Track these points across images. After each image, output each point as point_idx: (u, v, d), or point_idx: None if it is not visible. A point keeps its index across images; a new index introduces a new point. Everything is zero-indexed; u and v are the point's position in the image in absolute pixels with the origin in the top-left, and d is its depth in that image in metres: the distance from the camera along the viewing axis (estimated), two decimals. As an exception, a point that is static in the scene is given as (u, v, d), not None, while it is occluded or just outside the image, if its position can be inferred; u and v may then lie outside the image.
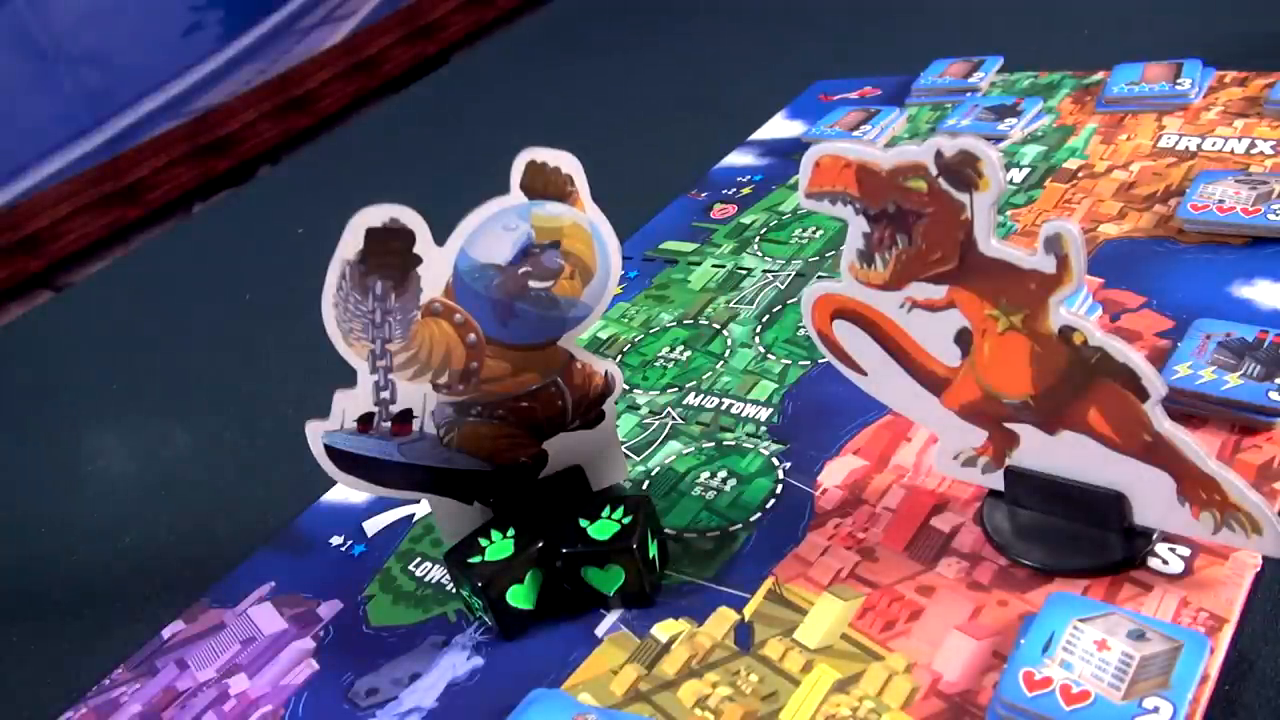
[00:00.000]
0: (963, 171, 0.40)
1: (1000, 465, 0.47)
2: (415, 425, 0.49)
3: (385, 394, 0.48)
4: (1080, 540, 0.45)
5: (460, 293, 0.48)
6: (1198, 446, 0.41)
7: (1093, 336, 0.41)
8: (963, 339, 0.44)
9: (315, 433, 0.48)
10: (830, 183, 0.44)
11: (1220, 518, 0.41)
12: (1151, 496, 0.43)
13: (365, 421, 0.49)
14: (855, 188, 0.43)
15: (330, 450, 0.49)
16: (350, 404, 0.48)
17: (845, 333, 0.47)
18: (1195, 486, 0.42)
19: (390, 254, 0.46)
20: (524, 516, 0.51)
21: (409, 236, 0.46)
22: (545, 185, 0.48)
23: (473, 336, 0.48)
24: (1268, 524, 0.40)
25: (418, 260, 0.46)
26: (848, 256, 0.45)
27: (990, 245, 0.41)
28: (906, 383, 0.47)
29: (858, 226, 0.44)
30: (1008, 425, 0.45)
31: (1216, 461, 0.41)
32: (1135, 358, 0.40)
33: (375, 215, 0.45)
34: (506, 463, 0.51)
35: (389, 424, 0.49)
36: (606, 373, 0.51)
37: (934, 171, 0.41)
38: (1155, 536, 0.45)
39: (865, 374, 0.48)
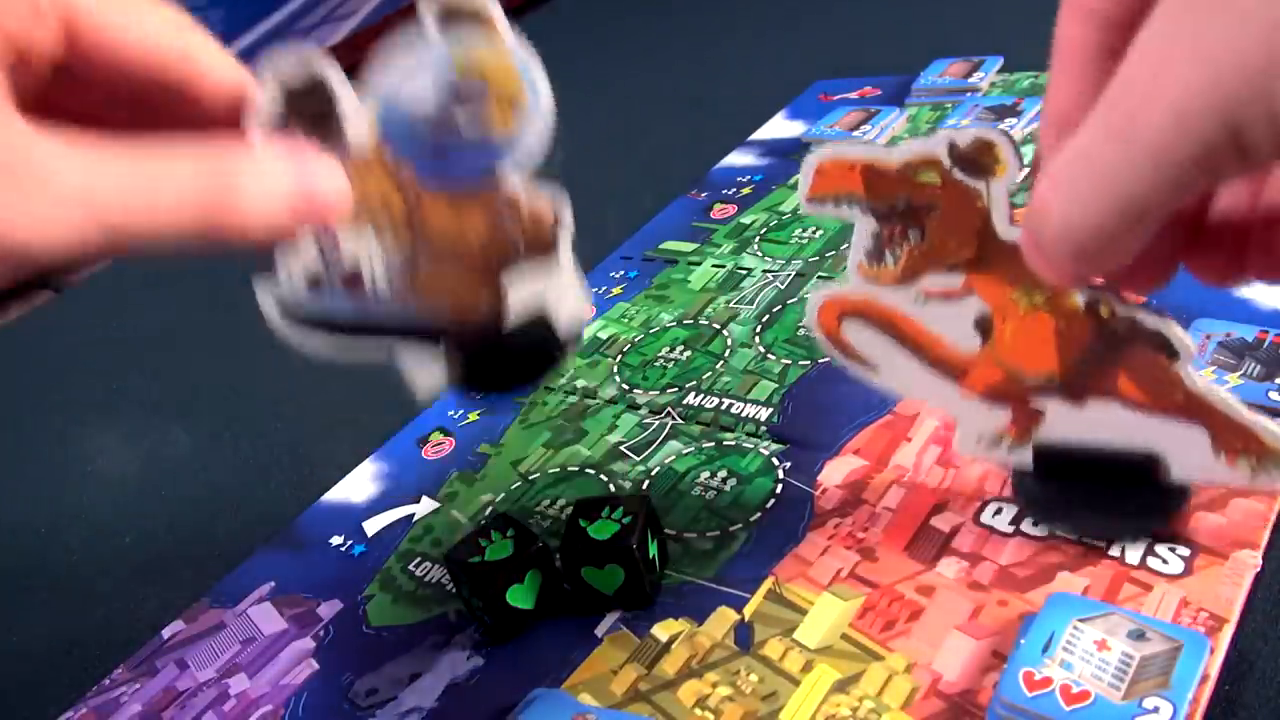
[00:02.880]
0: (979, 160, 0.41)
1: (1026, 442, 0.46)
2: (366, 282, 0.46)
3: (331, 252, 0.45)
4: (1118, 503, 0.45)
5: (389, 139, 0.44)
6: (1230, 397, 0.41)
7: (1120, 307, 0.41)
8: (983, 324, 0.44)
9: (266, 291, 0.45)
10: (834, 187, 0.44)
11: (1258, 463, 0.41)
12: (1187, 452, 0.43)
13: (314, 282, 0.46)
14: (862, 189, 0.43)
15: (284, 310, 0.46)
16: (296, 264, 0.45)
17: (854, 332, 0.47)
18: (1230, 437, 0.41)
19: (310, 107, 0.43)
20: (493, 375, 0.49)
21: (325, 88, 0.43)
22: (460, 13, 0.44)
23: (408, 182, 0.45)
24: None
25: (339, 111, 0.43)
26: (855, 257, 0.45)
27: (1008, 229, 0.41)
28: (922, 373, 0.46)
29: (866, 226, 0.44)
30: (1032, 403, 0.45)
31: (1250, 410, 0.41)
32: (1164, 320, 0.41)
33: (287, 66, 0.42)
34: (466, 313, 0.47)
35: (339, 284, 0.45)
36: (553, 202, 0.47)
37: (948, 164, 0.41)
38: (1191, 490, 0.45)
39: (877, 370, 0.47)
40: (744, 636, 0.46)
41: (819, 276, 0.68)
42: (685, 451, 0.57)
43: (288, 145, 0.39)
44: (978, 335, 0.44)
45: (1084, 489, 0.46)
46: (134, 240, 0.34)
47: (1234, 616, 0.41)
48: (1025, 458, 0.46)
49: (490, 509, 0.57)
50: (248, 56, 0.39)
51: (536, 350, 0.49)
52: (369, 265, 0.46)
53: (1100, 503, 0.46)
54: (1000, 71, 0.88)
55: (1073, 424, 0.45)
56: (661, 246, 0.78)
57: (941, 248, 0.43)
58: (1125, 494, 0.45)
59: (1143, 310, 0.41)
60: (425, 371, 0.49)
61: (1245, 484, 0.42)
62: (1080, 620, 0.41)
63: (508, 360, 0.49)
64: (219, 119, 0.40)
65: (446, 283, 0.47)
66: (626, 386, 0.64)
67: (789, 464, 0.55)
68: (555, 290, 0.48)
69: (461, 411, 0.66)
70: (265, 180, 0.37)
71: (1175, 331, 0.41)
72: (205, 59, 0.39)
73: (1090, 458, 0.45)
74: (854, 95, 0.93)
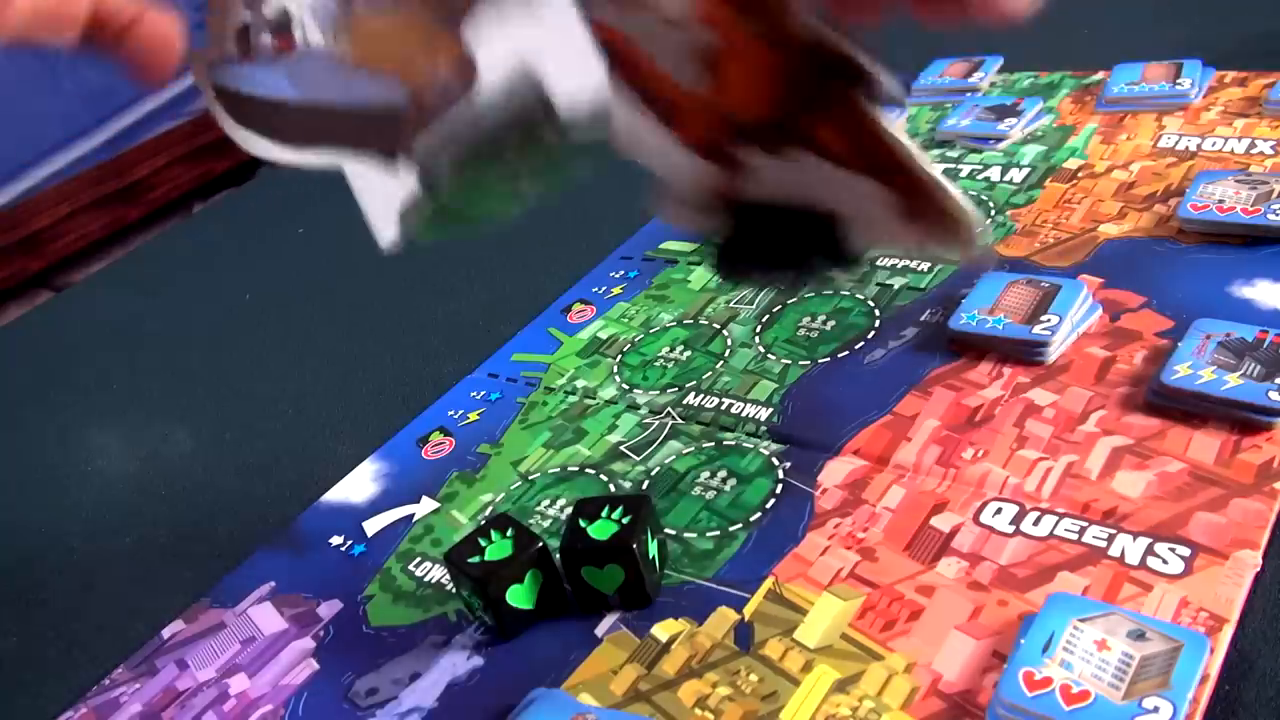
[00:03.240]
0: None
1: (726, 200, 0.43)
2: (296, 35, 0.38)
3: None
4: (800, 257, 0.44)
5: None
6: (923, 155, 0.40)
7: (836, 41, 0.39)
8: (706, 58, 0.39)
9: (202, 68, 0.39)
10: None
11: (932, 225, 0.41)
12: (871, 212, 0.41)
13: (244, 40, 0.39)
14: None
15: (220, 92, 0.39)
16: (227, 21, 0.39)
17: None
18: (916, 199, 0.40)
19: None
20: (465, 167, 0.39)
21: None
22: None
23: None
24: (974, 228, 0.40)
25: None
26: None
27: None
28: (636, 117, 0.42)
29: None
30: (739, 155, 0.42)
31: (934, 167, 0.40)
32: (874, 62, 0.39)
33: None
34: (424, 78, 0.38)
35: (269, 39, 0.38)
36: None
37: None
38: (869, 253, 0.44)
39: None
40: (744, 636, 0.46)
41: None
42: (685, 451, 0.57)
43: None
44: (699, 71, 0.40)
45: (770, 244, 0.44)
46: None
47: (1234, 616, 0.41)
48: (726, 219, 0.44)
49: (490, 509, 0.57)
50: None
51: (521, 128, 0.38)
52: (296, 9, 0.38)
53: (783, 257, 0.44)
54: (1000, 71, 0.88)
55: (773, 181, 0.42)
56: (661, 246, 0.78)
57: None
58: (808, 249, 0.43)
59: (857, 46, 0.39)
60: (383, 186, 0.40)
61: (914, 251, 0.40)
62: (1080, 620, 0.41)
63: (486, 143, 0.39)
64: None
65: (391, 39, 0.39)
66: (626, 386, 0.64)
67: (789, 464, 0.55)
68: (544, 42, 0.38)
69: (462, 412, 0.66)
70: None
71: (881, 73, 0.39)
72: None
73: (780, 215, 0.43)
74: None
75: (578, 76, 0.37)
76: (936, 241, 0.41)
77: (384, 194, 0.39)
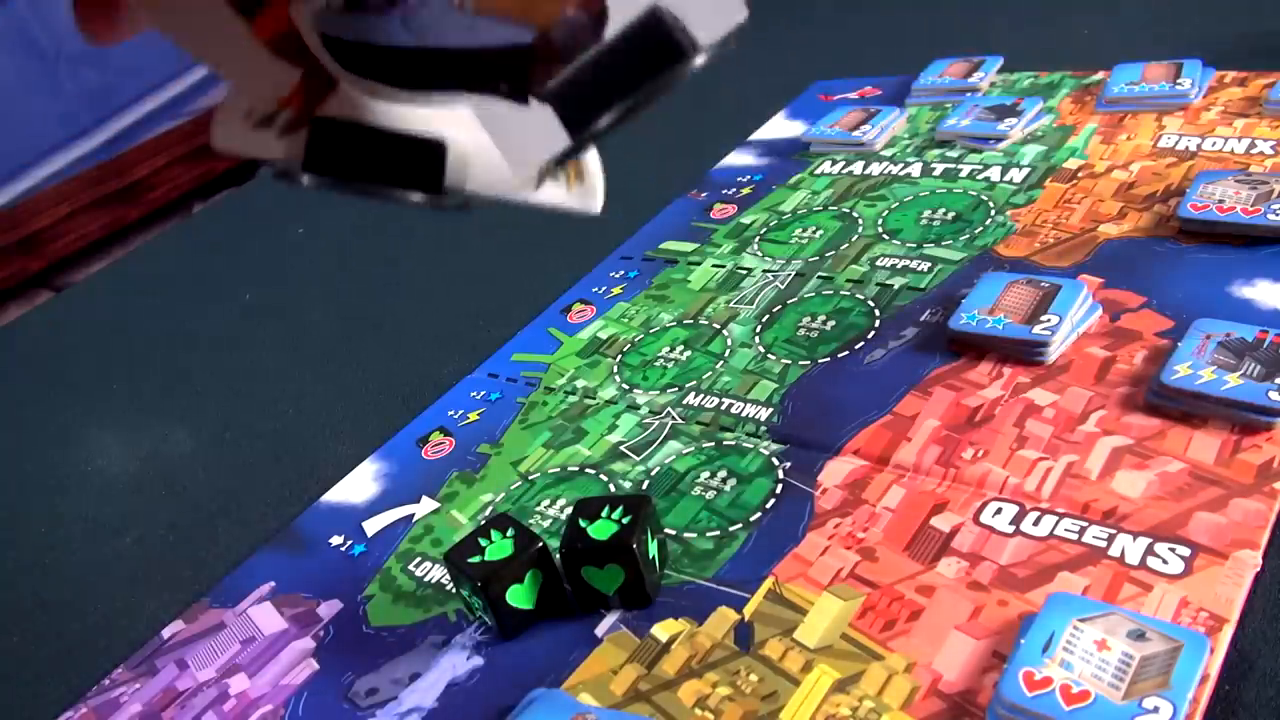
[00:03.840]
0: None
1: (304, 117, 0.37)
2: None
3: None
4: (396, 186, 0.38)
5: None
6: None
7: None
8: None
9: (305, 15, 0.36)
10: None
11: (547, 169, 0.37)
12: (476, 147, 0.37)
13: None
14: None
15: (328, 40, 0.36)
16: None
17: None
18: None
19: None
20: (600, 99, 0.37)
21: None
22: None
23: None
24: (592, 177, 0.40)
25: None
26: None
27: None
28: (215, 9, 0.36)
29: None
30: (322, 61, 0.36)
31: None
32: None
33: None
34: (548, 21, 0.35)
35: None
36: None
37: None
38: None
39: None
40: (744, 636, 0.46)
41: (819, 276, 0.68)
42: (685, 451, 0.57)
43: None
44: None
45: (359, 165, 0.38)
46: None
47: (1234, 616, 0.41)
48: (299, 141, 0.38)
49: (490, 509, 0.57)
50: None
51: (654, 66, 0.37)
52: None
53: (373, 179, 0.38)
54: (1000, 71, 0.88)
55: (364, 103, 0.37)
56: (662, 246, 0.78)
57: None
58: (402, 177, 0.38)
59: None
60: (514, 136, 0.37)
61: (529, 192, 0.38)
62: (1080, 620, 0.41)
63: (618, 76, 0.37)
64: None
65: None
66: (626, 386, 0.64)
67: (789, 464, 0.55)
68: None
69: (462, 412, 0.66)
70: None
71: None
72: None
73: (374, 136, 0.37)
74: (854, 95, 0.93)
75: (716, 10, 0.36)
76: (554, 184, 0.39)
77: (519, 133, 0.37)
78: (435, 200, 0.37)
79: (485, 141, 0.37)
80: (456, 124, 0.36)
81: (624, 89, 0.37)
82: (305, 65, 0.36)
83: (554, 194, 0.39)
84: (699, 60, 0.36)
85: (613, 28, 0.35)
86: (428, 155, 0.37)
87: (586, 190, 0.39)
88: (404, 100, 0.36)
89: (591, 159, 0.39)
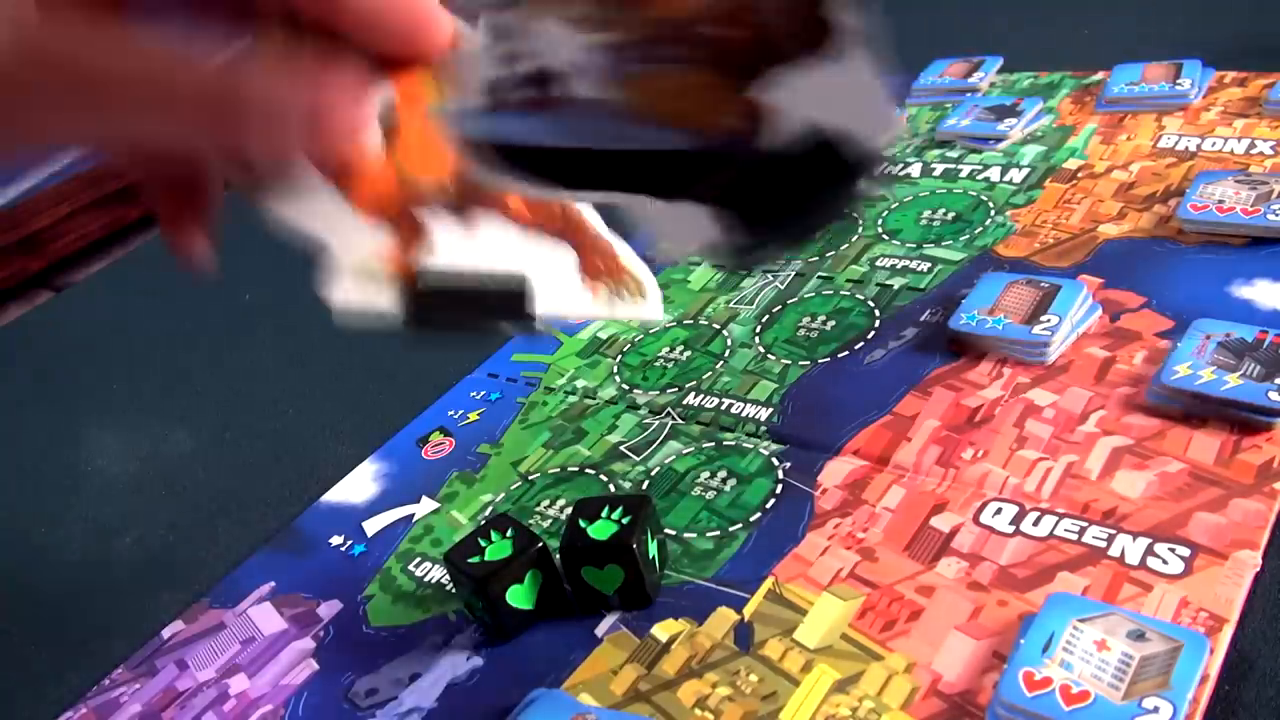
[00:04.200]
0: None
1: (405, 271, 0.42)
2: (557, 91, 0.36)
3: (506, 44, 0.35)
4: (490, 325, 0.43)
5: None
6: (595, 215, 0.42)
7: None
8: (386, 118, 0.39)
9: (445, 118, 0.38)
10: None
11: (613, 287, 0.42)
12: (555, 276, 0.42)
13: (493, 94, 0.36)
14: None
15: (467, 142, 0.38)
16: (467, 69, 0.36)
17: None
18: (593, 257, 0.42)
19: None
20: (767, 211, 0.37)
21: None
22: None
23: None
24: (651, 291, 0.43)
25: None
26: None
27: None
28: (314, 182, 0.40)
29: None
30: (420, 222, 0.41)
31: (609, 230, 0.42)
32: None
33: None
34: (706, 130, 0.36)
35: (519, 93, 0.36)
36: None
37: None
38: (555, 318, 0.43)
39: (259, 183, 0.40)
40: (744, 636, 0.46)
41: (819, 276, 0.68)
42: (685, 451, 0.57)
43: (301, 60, 0.36)
44: (379, 135, 0.39)
45: (455, 309, 0.43)
46: (123, 132, 0.33)
47: (1234, 616, 0.41)
48: (402, 293, 0.42)
49: (490, 509, 0.57)
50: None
51: (826, 173, 0.36)
52: (560, 61, 0.35)
53: (469, 321, 0.44)
54: (1000, 71, 0.88)
55: (455, 246, 0.41)
56: (662, 247, 0.78)
57: None
58: (493, 314, 0.43)
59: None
60: (670, 223, 0.38)
61: (605, 312, 0.42)
62: (1080, 620, 0.41)
63: (787, 188, 0.37)
64: None
65: (671, 86, 0.36)
66: (626, 386, 0.64)
67: (789, 464, 0.55)
68: (842, 95, 0.35)
69: (462, 412, 0.66)
70: (274, 93, 0.34)
71: None
72: None
73: (465, 286, 0.42)
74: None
75: (878, 128, 0.36)
76: (620, 300, 0.43)
77: (673, 226, 0.38)
78: (525, 327, 0.42)
79: (564, 266, 0.41)
80: (538, 256, 0.41)
81: (788, 200, 0.37)
82: (401, 224, 0.41)
83: (623, 309, 0.43)
84: (866, 179, 0.35)
85: (773, 139, 0.35)
86: (515, 291, 0.41)
87: (650, 303, 0.43)
88: (561, 195, 0.39)
89: (645, 273, 0.43)
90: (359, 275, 0.41)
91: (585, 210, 0.42)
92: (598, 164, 0.37)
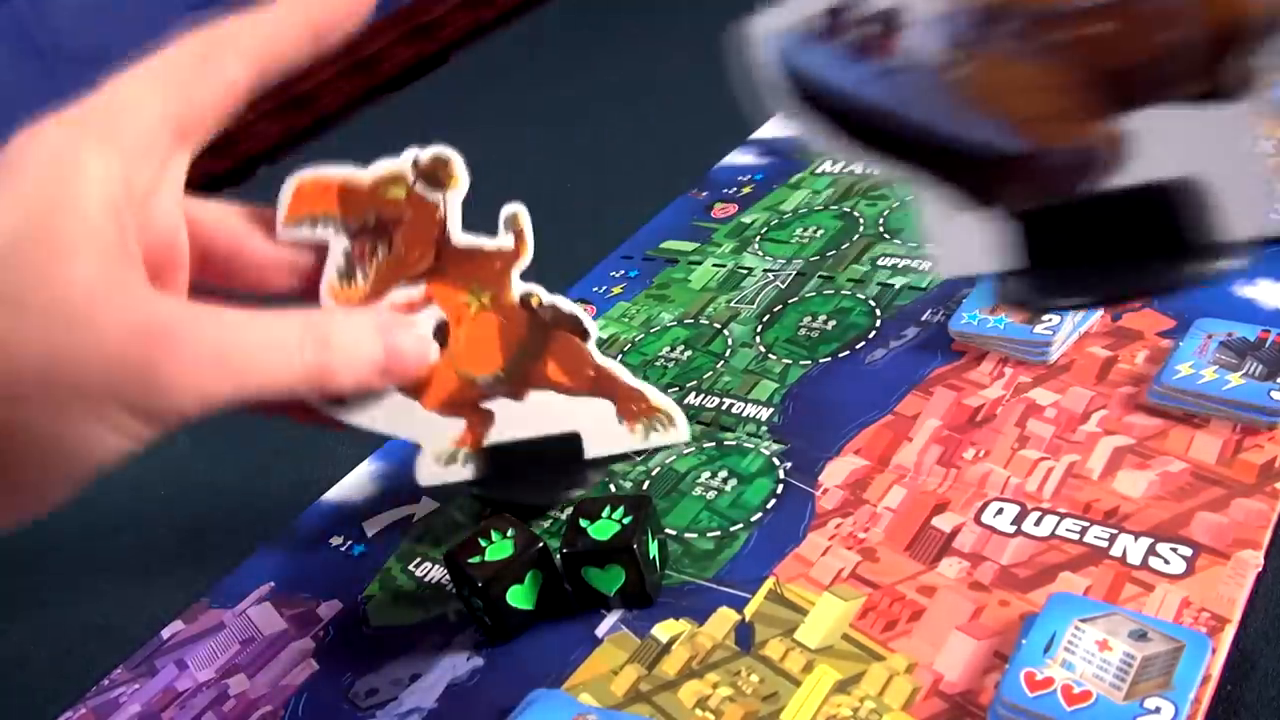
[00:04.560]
0: (437, 174, 0.47)
1: (478, 448, 0.51)
2: (900, 40, 0.33)
3: None
4: (557, 479, 0.53)
5: None
6: (622, 368, 0.50)
7: (544, 296, 0.49)
8: (440, 333, 0.49)
9: (763, 32, 0.36)
10: (312, 207, 0.47)
11: (649, 422, 0.50)
12: (599, 424, 0.50)
13: (833, 18, 0.34)
14: (337, 207, 0.47)
15: (782, 63, 0.36)
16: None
17: None
18: (627, 402, 0.50)
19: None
20: (1074, 255, 0.34)
21: None
22: None
23: None
24: (679, 418, 0.50)
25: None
26: (327, 278, 0.48)
27: (460, 235, 0.48)
28: (388, 395, 0.49)
29: (339, 245, 0.48)
30: (483, 406, 0.50)
31: (636, 378, 0.50)
32: (574, 306, 0.49)
33: None
34: (1045, 139, 0.33)
35: (863, 29, 0.33)
36: None
37: (412, 178, 0.47)
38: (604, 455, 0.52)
39: (344, 402, 0.49)
40: (745, 637, 0.46)
41: (820, 275, 0.68)
42: (686, 451, 0.57)
43: (375, 314, 0.45)
44: (436, 345, 0.48)
45: (527, 470, 0.51)
46: (252, 395, 0.39)
47: (1236, 616, 0.41)
48: (480, 465, 0.51)
49: (490, 509, 0.57)
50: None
51: (1159, 237, 0.32)
52: (913, 12, 0.32)
53: (539, 479, 0.52)
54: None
55: (516, 422, 0.50)
56: (662, 246, 0.78)
57: (406, 258, 0.48)
58: (558, 467, 0.51)
59: (561, 298, 0.49)
60: (961, 228, 0.36)
61: (643, 444, 0.51)
62: (1082, 620, 0.41)
63: (1108, 238, 0.33)
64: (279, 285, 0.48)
65: (1032, 80, 0.32)
66: (627, 386, 0.64)
67: (790, 464, 0.55)
68: (1219, 159, 0.31)
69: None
70: (357, 348, 0.43)
71: (583, 314, 0.49)
72: (260, 244, 0.48)
73: (532, 450, 0.51)
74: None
75: (1249, 209, 0.31)
76: (655, 432, 0.51)
77: (959, 233, 0.36)
78: (579, 480, 0.53)
79: (604, 415, 0.50)
80: (583, 412, 0.50)
81: (1106, 250, 0.33)
82: (467, 411, 0.50)
83: (656, 438, 0.51)
84: (1205, 261, 0.32)
85: (1123, 179, 0.32)
86: (572, 446, 0.51)
87: (679, 429, 0.51)
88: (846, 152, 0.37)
89: (672, 406, 0.51)
90: (440, 458, 0.51)
91: (614, 367, 0.50)
92: (910, 135, 0.34)
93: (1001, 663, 0.42)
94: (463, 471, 0.51)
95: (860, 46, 0.33)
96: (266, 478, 0.66)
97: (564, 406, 0.50)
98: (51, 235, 0.36)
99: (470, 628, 0.51)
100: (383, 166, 0.47)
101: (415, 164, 0.47)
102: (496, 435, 0.51)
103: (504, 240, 0.48)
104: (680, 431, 0.51)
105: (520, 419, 0.50)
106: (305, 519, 0.61)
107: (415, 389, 0.49)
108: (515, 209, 0.48)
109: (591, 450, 0.51)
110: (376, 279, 0.48)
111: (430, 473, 0.51)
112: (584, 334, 0.49)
